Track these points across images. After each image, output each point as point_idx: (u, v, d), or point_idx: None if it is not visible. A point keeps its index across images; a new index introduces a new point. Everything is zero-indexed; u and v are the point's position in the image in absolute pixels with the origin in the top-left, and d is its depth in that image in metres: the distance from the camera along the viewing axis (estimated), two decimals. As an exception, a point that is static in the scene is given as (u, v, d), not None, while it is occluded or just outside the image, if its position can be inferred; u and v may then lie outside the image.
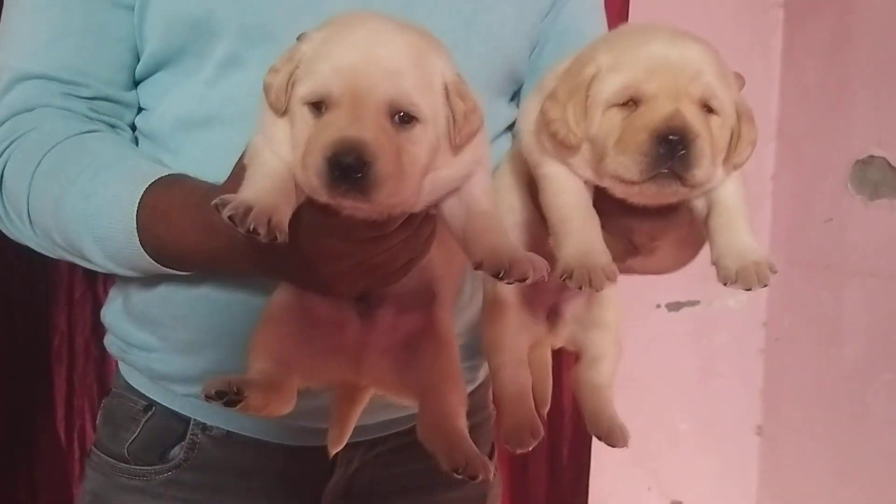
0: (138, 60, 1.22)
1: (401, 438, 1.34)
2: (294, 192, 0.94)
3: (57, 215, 1.13)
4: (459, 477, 1.02)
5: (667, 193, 1.00)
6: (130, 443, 1.29)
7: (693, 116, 0.98)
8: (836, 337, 2.61)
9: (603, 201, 1.05)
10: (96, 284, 1.95)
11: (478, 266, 0.95)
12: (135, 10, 1.17)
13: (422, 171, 0.95)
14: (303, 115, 0.93)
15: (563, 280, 0.99)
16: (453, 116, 0.96)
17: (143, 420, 1.30)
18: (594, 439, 1.27)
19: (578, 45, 1.35)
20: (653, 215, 1.06)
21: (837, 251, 2.62)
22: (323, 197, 0.90)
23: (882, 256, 2.45)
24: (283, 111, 0.96)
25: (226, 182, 1.03)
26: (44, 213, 1.14)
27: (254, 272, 1.10)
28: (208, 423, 1.29)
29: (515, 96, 1.36)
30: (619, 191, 1.03)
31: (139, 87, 1.24)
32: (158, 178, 1.11)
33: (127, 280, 1.23)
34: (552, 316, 1.28)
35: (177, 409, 1.29)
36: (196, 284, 1.19)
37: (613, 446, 1.22)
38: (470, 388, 1.28)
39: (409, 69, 0.93)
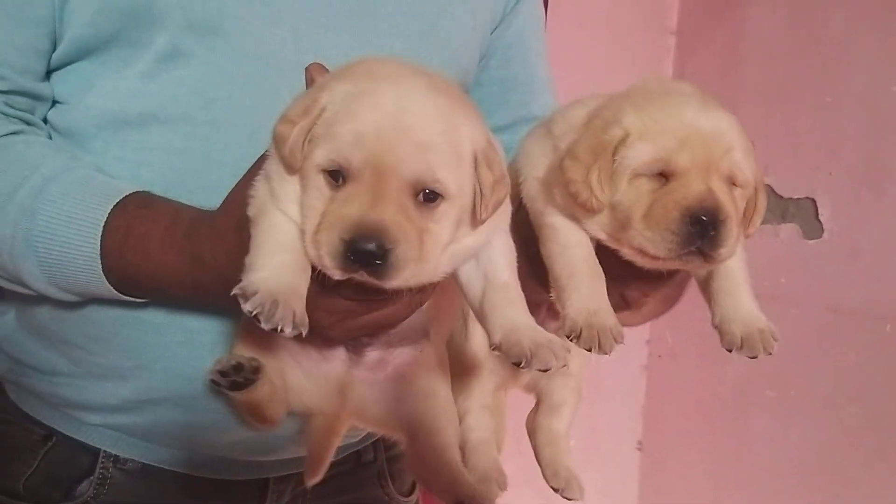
0: (55, 47, 1.07)
1: (333, 469, 1.24)
2: (308, 262, 0.86)
3: None
4: None
5: (687, 268, 0.99)
6: (27, 477, 1.14)
7: (724, 195, 0.96)
8: (718, 355, 2.67)
9: (603, 257, 1.02)
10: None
11: (496, 348, 0.90)
12: None
13: (443, 249, 0.88)
14: (317, 183, 0.85)
15: (570, 339, 0.96)
16: (480, 189, 0.89)
17: (42, 451, 1.14)
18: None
19: (523, 62, 1.33)
20: (651, 274, 1.03)
21: (721, 272, 2.69)
22: (335, 275, 0.84)
23: (765, 278, 2.54)
24: (296, 170, 0.87)
25: (219, 215, 0.95)
26: None
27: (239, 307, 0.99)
28: (122, 455, 1.15)
29: None
30: (637, 260, 1.00)
31: (53, 76, 1.10)
32: (125, 198, 0.98)
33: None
34: None
35: (84, 440, 1.14)
36: (127, 303, 1.04)
37: (570, 500, 1.19)
38: None
39: (438, 141, 0.85)
